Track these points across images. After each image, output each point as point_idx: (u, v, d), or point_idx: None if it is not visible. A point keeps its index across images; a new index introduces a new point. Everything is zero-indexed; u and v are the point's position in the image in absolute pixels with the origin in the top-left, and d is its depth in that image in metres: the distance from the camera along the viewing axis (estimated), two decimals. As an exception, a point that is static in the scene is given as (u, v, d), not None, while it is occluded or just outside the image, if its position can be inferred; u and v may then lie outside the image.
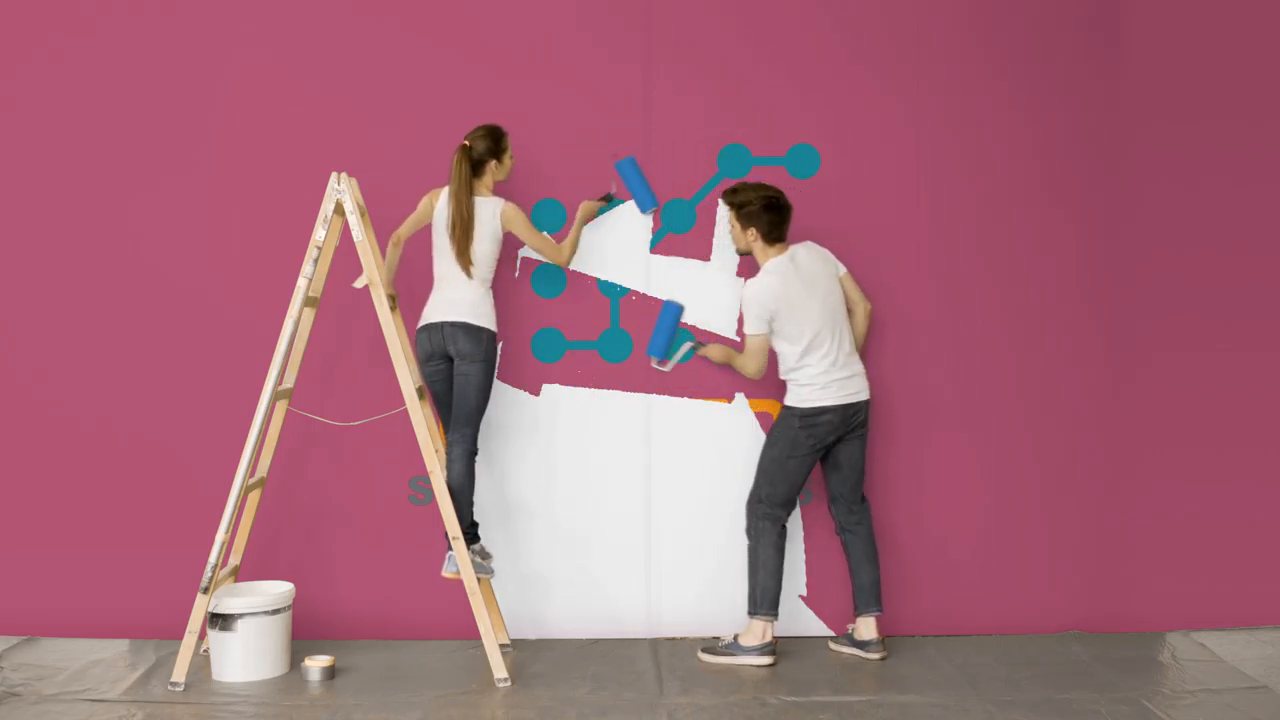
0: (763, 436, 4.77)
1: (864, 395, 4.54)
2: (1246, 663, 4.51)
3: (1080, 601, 4.86)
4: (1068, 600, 4.85)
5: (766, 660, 4.48)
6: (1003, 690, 4.22)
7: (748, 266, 4.73)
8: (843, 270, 4.62)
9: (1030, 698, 4.14)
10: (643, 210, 4.76)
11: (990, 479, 4.86)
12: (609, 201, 4.72)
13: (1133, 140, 4.83)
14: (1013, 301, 4.84)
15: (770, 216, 4.48)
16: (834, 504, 4.68)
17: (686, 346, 4.69)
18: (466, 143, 4.44)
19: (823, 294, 4.49)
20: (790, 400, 4.53)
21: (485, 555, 4.52)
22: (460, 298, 4.41)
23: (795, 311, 4.44)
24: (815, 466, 4.60)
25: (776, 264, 4.49)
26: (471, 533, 4.50)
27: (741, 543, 4.74)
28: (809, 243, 4.59)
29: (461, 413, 4.45)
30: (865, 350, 4.70)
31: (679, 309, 4.74)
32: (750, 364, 4.52)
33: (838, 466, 4.61)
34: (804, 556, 4.84)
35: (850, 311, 4.61)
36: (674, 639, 4.82)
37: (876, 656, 4.54)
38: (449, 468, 4.44)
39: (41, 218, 4.77)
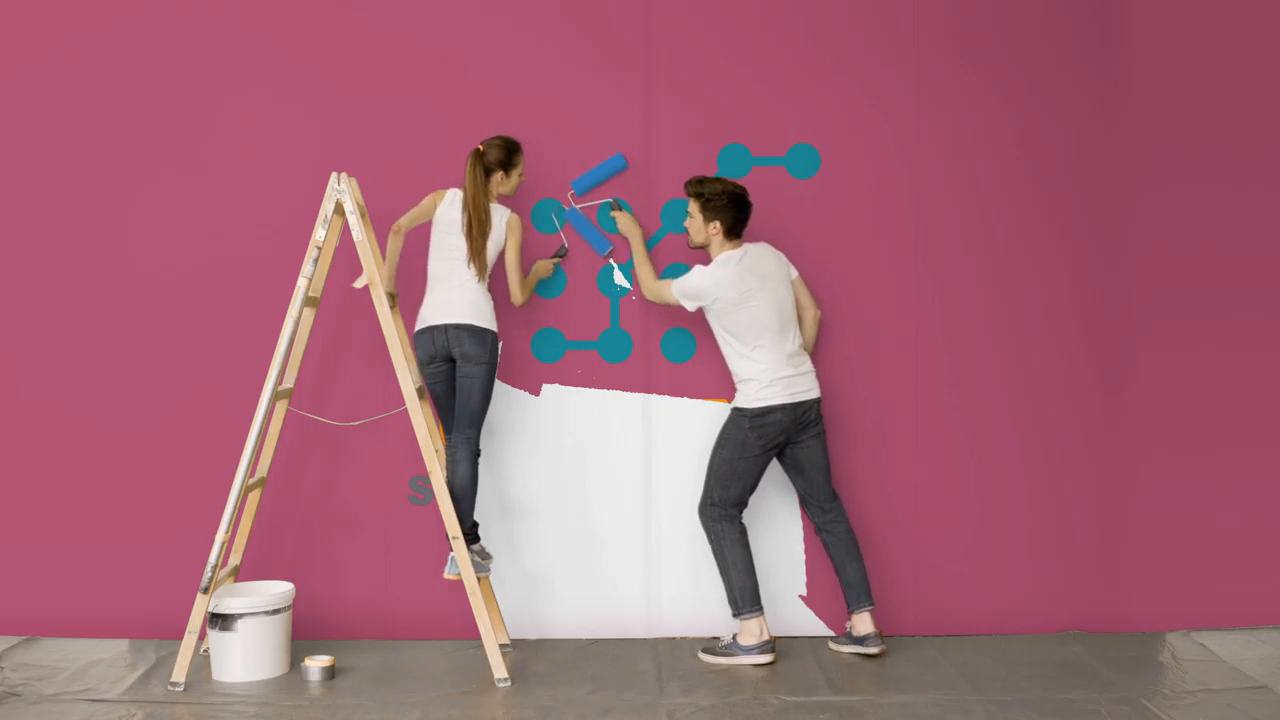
0: (762, 436, 4.78)
1: (813, 394, 4.54)
2: (1246, 663, 4.51)
3: (1080, 601, 4.86)
4: (1068, 600, 4.85)
5: (766, 659, 4.48)
6: (1003, 690, 4.22)
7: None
8: (795, 274, 4.63)
9: (1030, 698, 4.14)
10: (600, 253, 4.76)
11: (990, 479, 4.86)
12: (562, 255, 4.73)
13: (1133, 141, 4.83)
14: (1015, 301, 4.84)
15: (735, 213, 4.49)
16: (805, 505, 4.68)
17: (610, 201, 4.70)
18: (480, 148, 4.45)
19: (773, 292, 4.49)
20: (738, 401, 4.53)
21: (485, 555, 4.52)
22: (461, 299, 4.42)
23: (745, 307, 4.44)
24: (769, 466, 4.61)
25: (729, 257, 4.49)
26: (472, 533, 4.50)
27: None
28: (763, 243, 4.60)
29: (465, 414, 4.46)
30: (817, 351, 4.71)
31: (623, 164, 4.71)
32: (660, 290, 4.55)
33: (799, 469, 4.60)
34: (804, 556, 4.84)
35: (800, 317, 4.61)
36: (674, 639, 4.82)
37: (876, 650, 4.54)
38: (454, 469, 4.44)
39: (41, 218, 4.77)
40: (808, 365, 4.57)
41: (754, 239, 4.72)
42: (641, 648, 4.71)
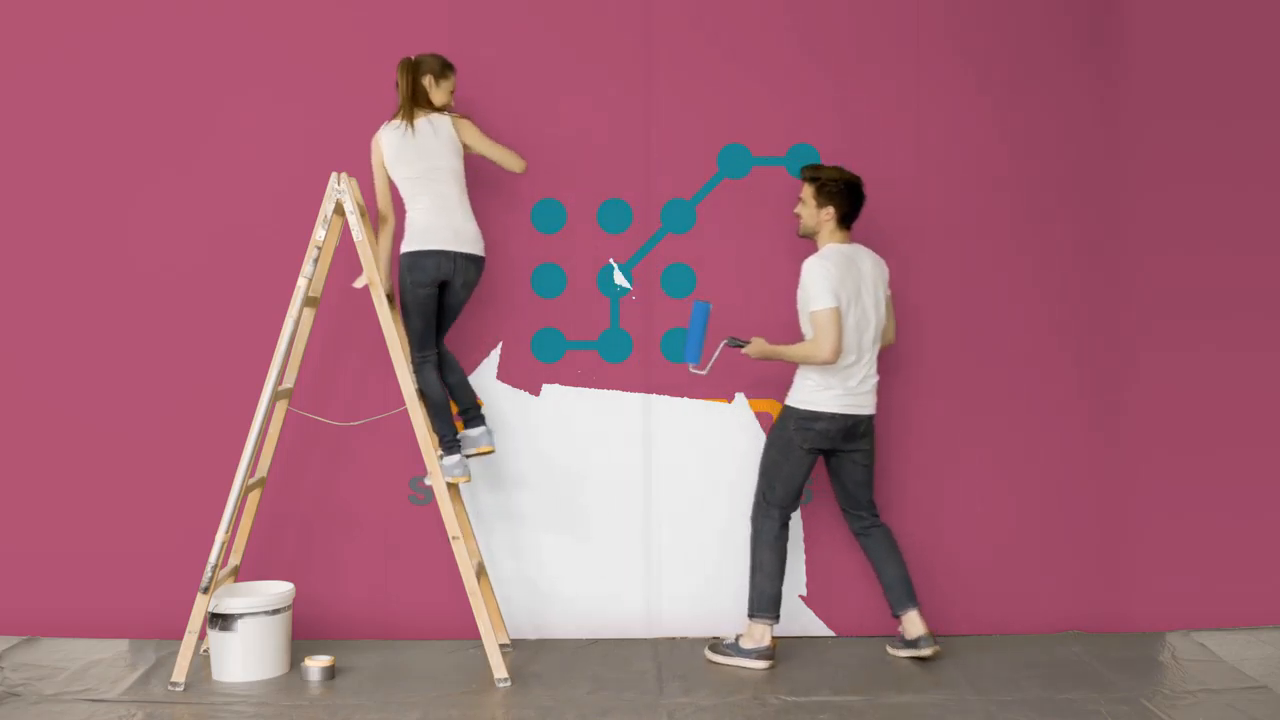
0: (762, 436, 4.78)
1: (867, 410, 4.46)
2: (1246, 663, 4.51)
3: (1080, 601, 4.86)
4: (1068, 600, 4.85)
5: (762, 665, 4.45)
6: (1003, 690, 4.22)
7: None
8: (888, 291, 4.54)
9: (1030, 698, 4.14)
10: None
11: (989, 479, 4.86)
12: None
13: (1133, 141, 4.83)
14: (1014, 301, 4.84)
15: (850, 200, 4.42)
16: (844, 512, 4.65)
17: (723, 345, 4.51)
18: (413, 57, 4.42)
19: (867, 299, 4.42)
20: (790, 399, 4.49)
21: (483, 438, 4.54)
22: (467, 227, 4.41)
23: (845, 315, 4.37)
24: (817, 465, 4.57)
25: (838, 249, 4.42)
26: (476, 414, 4.53)
27: (740, 542, 4.75)
28: (872, 251, 4.52)
29: (445, 331, 4.51)
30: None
31: (708, 307, 4.50)
32: (825, 343, 4.28)
33: (840, 481, 4.57)
34: (804, 556, 4.84)
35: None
36: (674, 639, 4.82)
37: (929, 652, 4.45)
38: (430, 384, 4.42)
39: (41, 217, 4.77)
40: (873, 381, 4.46)
41: (752, 238, 4.74)
42: (641, 648, 4.71)
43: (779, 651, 4.55)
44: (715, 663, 4.51)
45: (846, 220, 4.45)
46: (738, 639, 4.54)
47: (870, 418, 4.49)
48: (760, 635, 4.48)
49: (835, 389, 4.40)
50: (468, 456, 4.48)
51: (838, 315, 4.31)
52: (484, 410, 4.60)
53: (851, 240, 4.49)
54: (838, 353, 4.33)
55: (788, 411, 4.48)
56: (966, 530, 4.85)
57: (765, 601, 4.49)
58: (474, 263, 4.43)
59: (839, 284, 4.34)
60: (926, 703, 4.10)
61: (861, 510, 4.59)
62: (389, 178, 4.41)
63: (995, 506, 4.86)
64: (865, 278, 4.44)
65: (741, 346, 4.47)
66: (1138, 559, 4.86)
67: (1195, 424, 4.85)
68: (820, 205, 4.42)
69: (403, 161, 4.36)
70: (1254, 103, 4.86)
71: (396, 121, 4.38)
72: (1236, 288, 4.86)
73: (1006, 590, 4.85)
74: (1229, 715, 3.99)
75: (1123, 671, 4.41)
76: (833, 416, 4.41)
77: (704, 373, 4.57)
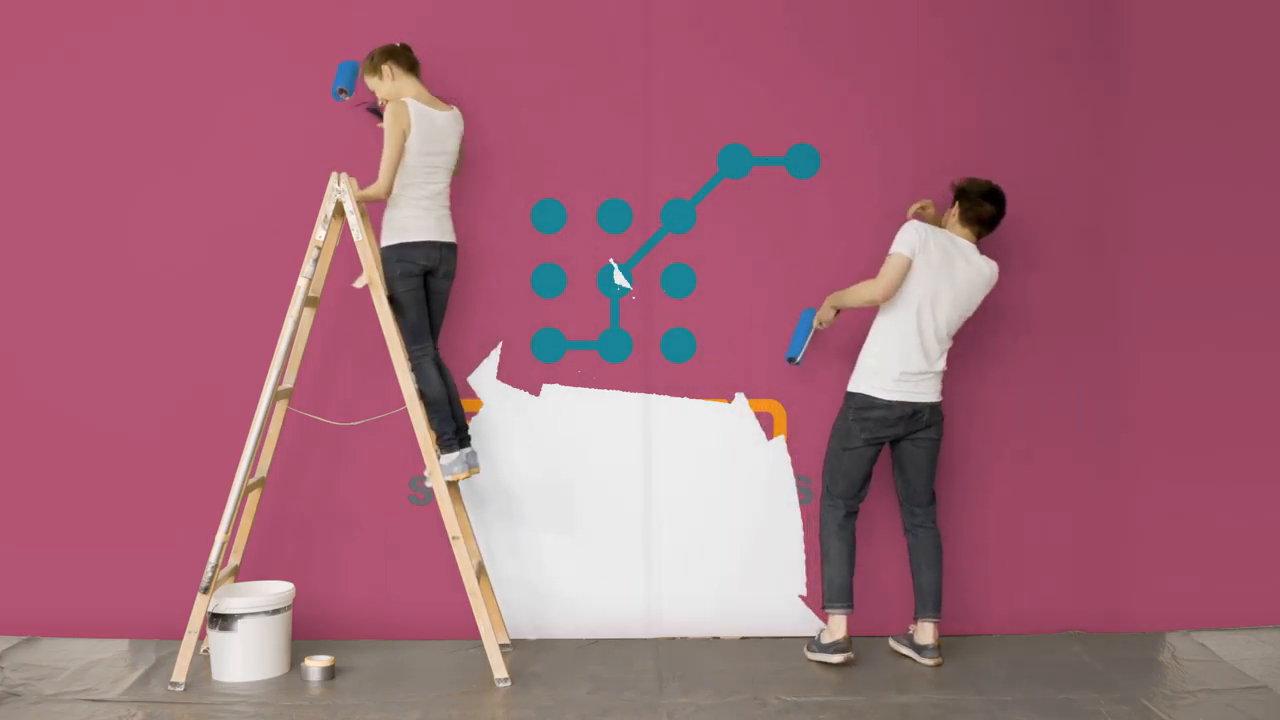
0: (762, 436, 4.79)
1: (929, 398, 4.41)
2: (1246, 663, 4.51)
3: (1080, 601, 4.86)
4: (1068, 600, 4.85)
5: (835, 659, 4.43)
6: (1003, 690, 4.22)
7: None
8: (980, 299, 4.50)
9: (1030, 698, 4.14)
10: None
11: (989, 479, 4.86)
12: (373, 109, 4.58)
13: (1134, 141, 4.83)
14: (1014, 300, 4.84)
15: (977, 204, 4.40)
16: (900, 504, 4.62)
17: (811, 333, 4.63)
18: (397, 45, 4.47)
19: (951, 289, 4.37)
20: (851, 385, 4.45)
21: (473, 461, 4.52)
22: (446, 219, 4.47)
23: (916, 277, 4.33)
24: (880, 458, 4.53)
25: (948, 234, 4.40)
26: (464, 436, 4.52)
27: (742, 543, 4.76)
28: (987, 257, 4.48)
29: (438, 327, 4.56)
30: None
31: (813, 312, 4.64)
32: (881, 281, 4.31)
33: (902, 468, 4.53)
34: (803, 557, 4.84)
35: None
36: (674, 639, 4.82)
37: (930, 663, 4.46)
38: (429, 381, 4.42)
39: (42, 218, 4.77)
40: (938, 367, 4.41)
41: (753, 239, 4.74)
42: (641, 648, 4.71)
43: (779, 650, 4.54)
44: (809, 659, 4.50)
45: (971, 218, 4.41)
46: (820, 634, 4.52)
47: (934, 405, 4.44)
48: (835, 627, 4.45)
49: (892, 375, 4.36)
50: (449, 482, 4.43)
51: (906, 266, 4.31)
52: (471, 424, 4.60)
53: (976, 245, 4.46)
54: (888, 296, 4.34)
55: (847, 400, 4.46)
56: (966, 530, 4.85)
57: (834, 592, 4.47)
58: (453, 251, 4.50)
59: (922, 249, 4.32)
60: (927, 703, 4.10)
61: (918, 506, 4.54)
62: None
63: (995, 507, 4.86)
64: (960, 266, 4.38)
65: (811, 316, 4.64)
66: (1138, 559, 4.86)
67: (1195, 424, 4.85)
68: (951, 202, 4.49)
69: (413, 151, 4.35)
70: (1254, 103, 4.86)
71: (423, 106, 4.37)
72: (1236, 288, 4.86)
73: (1006, 590, 4.85)
74: (1229, 715, 3.99)
75: (1123, 671, 4.41)
76: (889, 404, 4.37)
77: (798, 363, 4.65)
